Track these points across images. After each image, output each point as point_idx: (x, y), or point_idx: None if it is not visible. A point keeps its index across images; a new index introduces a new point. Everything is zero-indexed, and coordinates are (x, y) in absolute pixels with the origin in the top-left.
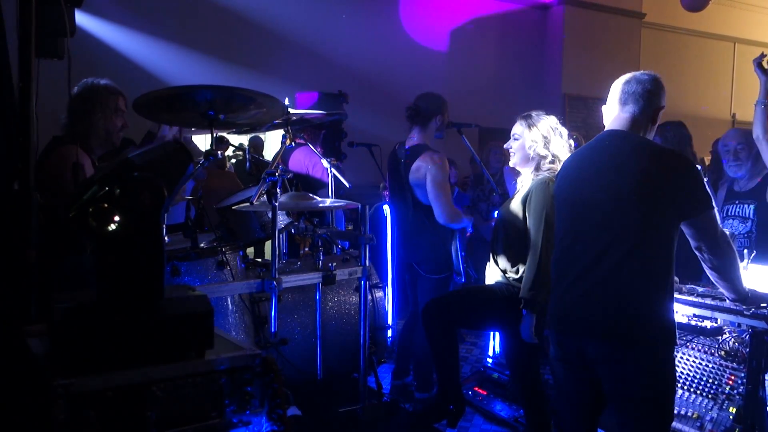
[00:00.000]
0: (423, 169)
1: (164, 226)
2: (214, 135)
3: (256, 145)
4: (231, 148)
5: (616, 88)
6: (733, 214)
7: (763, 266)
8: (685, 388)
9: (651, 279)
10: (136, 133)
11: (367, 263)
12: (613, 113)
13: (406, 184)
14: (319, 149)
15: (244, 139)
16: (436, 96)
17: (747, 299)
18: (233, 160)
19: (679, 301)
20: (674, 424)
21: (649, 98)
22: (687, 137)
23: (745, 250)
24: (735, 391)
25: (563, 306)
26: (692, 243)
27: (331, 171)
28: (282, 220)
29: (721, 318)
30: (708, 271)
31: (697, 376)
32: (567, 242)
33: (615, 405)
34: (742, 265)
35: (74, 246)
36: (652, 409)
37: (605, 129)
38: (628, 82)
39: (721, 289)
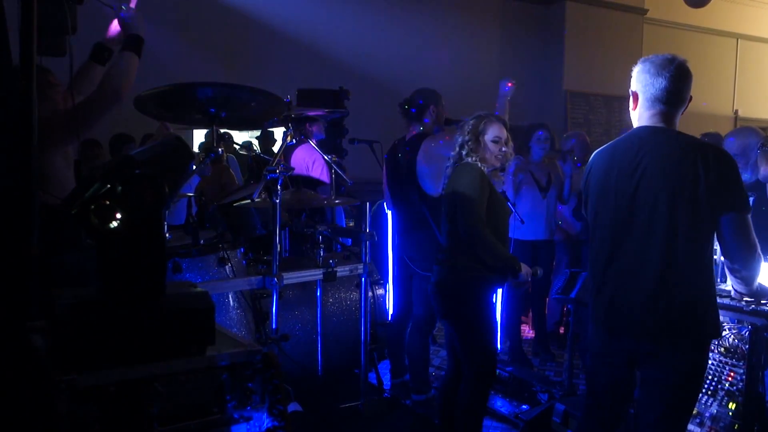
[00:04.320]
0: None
1: (165, 223)
2: (215, 131)
3: (267, 139)
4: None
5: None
6: None
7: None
8: None
9: (703, 275)
10: (136, 130)
11: (368, 260)
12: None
13: (407, 177)
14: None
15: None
16: (428, 89)
17: (756, 293)
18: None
19: None
20: None
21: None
22: None
23: None
24: (735, 388)
25: (615, 305)
26: (721, 247)
27: (332, 168)
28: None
29: (722, 315)
30: (729, 274)
31: None
32: (614, 239)
33: (654, 392)
34: None
35: (75, 242)
36: (691, 393)
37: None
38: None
39: (734, 286)
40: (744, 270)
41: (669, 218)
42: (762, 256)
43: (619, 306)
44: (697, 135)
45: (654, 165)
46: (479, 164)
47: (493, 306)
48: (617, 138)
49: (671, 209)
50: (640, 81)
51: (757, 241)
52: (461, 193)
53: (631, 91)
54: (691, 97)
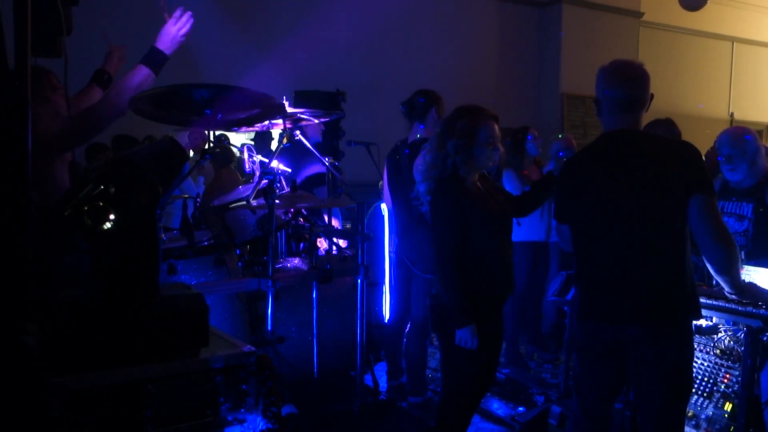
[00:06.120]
0: None
1: (160, 224)
2: (213, 133)
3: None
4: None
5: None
6: (729, 211)
7: (762, 269)
8: None
9: (682, 259)
10: (137, 131)
11: (365, 262)
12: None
13: (409, 179)
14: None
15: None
16: (429, 91)
17: (744, 291)
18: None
19: None
20: None
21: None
22: (677, 134)
23: (743, 251)
24: (730, 390)
25: (601, 294)
26: (693, 231)
27: (329, 170)
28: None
29: (717, 316)
30: (707, 263)
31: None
32: (596, 236)
33: (648, 382)
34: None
35: (69, 244)
36: (684, 377)
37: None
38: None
39: (719, 281)
40: (717, 251)
41: (646, 209)
42: (736, 245)
43: (604, 294)
44: (694, 138)
45: (626, 161)
46: (455, 183)
47: (491, 339)
48: (587, 144)
49: (647, 200)
50: (604, 88)
51: (726, 226)
52: (434, 227)
53: (595, 98)
54: (652, 95)
